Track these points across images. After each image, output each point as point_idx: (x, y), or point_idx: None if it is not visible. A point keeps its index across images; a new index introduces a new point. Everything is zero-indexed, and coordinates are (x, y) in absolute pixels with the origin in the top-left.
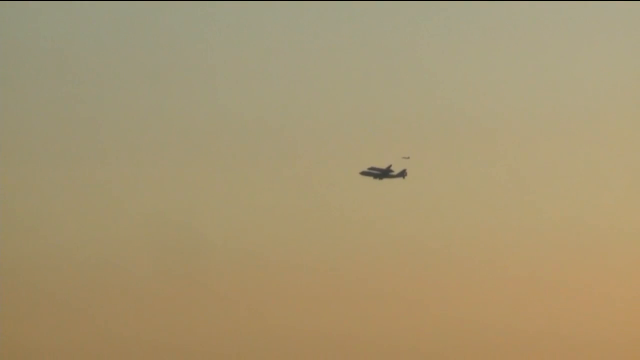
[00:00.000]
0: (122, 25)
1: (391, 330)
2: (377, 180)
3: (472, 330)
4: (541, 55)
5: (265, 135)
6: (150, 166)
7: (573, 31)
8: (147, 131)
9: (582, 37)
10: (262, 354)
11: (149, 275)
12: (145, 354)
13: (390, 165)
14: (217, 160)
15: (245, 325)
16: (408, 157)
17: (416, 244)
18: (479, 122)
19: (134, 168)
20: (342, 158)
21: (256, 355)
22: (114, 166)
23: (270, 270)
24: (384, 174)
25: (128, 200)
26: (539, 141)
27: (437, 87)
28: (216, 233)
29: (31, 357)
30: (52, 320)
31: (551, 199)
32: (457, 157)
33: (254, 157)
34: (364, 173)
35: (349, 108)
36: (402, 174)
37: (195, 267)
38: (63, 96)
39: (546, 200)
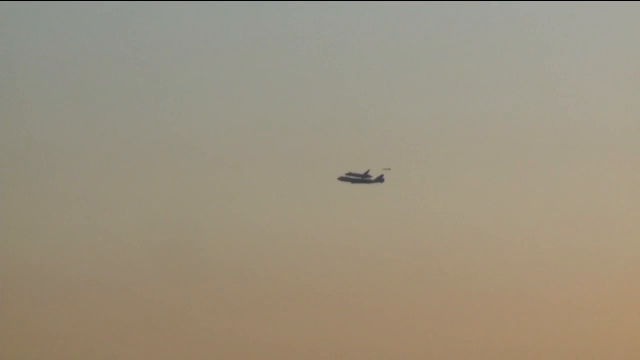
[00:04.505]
0: (122, 26)
1: (374, 336)
2: (355, 186)
3: (458, 340)
4: (534, 60)
5: (248, 140)
6: (144, 171)
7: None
8: (144, 134)
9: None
10: (259, 354)
11: (147, 276)
12: (146, 354)
13: (368, 171)
14: (199, 166)
15: (239, 327)
16: (389, 169)
17: (395, 248)
18: (461, 129)
19: (133, 170)
20: (320, 164)
21: (253, 356)
22: (114, 168)
23: (253, 275)
24: (362, 179)
25: (127, 202)
26: (525, 148)
27: (418, 93)
28: (201, 238)
29: (32, 357)
30: (53, 321)
31: (535, 203)
32: (438, 163)
33: (235, 161)
34: (342, 179)
35: (328, 114)
36: (380, 179)
37: (187, 269)
38: (63, 98)
39: (529, 206)
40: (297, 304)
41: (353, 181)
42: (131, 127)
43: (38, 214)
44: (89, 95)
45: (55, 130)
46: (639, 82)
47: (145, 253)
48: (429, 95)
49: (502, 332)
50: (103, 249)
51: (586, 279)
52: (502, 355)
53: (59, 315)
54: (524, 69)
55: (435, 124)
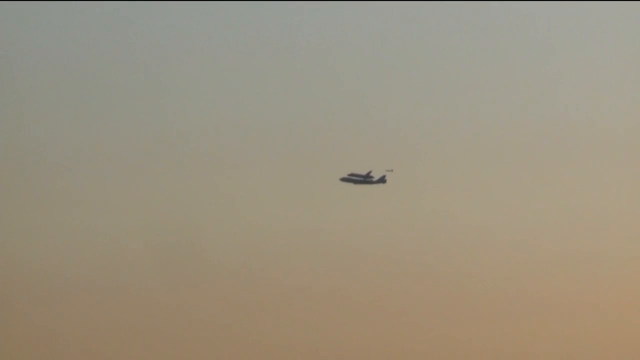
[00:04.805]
0: (122, 26)
1: (375, 338)
2: (357, 186)
3: (458, 342)
4: (535, 60)
5: (249, 140)
6: (146, 171)
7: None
8: (145, 134)
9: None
10: (260, 355)
11: (148, 277)
12: (147, 354)
13: (370, 172)
14: (201, 166)
15: (240, 327)
16: (392, 170)
17: (397, 249)
18: (464, 130)
19: (134, 170)
20: (322, 164)
21: (254, 356)
22: (114, 168)
23: (255, 276)
24: (364, 180)
25: (128, 202)
26: (528, 149)
27: (420, 94)
28: (202, 238)
29: (32, 357)
30: (53, 322)
31: (538, 204)
32: (440, 163)
33: (236, 162)
34: (344, 179)
35: (330, 114)
36: (382, 179)
37: (188, 269)
38: (63, 98)
39: (532, 207)
40: (299, 305)
41: (355, 182)
42: (132, 127)
43: (38, 214)
44: (89, 95)
45: (55, 130)
46: (639, 82)
47: (146, 253)
48: (432, 96)
49: (505, 333)
50: (103, 249)
51: (587, 279)
52: (504, 356)
53: (59, 316)
54: (526, 70)
55: (438, 125)
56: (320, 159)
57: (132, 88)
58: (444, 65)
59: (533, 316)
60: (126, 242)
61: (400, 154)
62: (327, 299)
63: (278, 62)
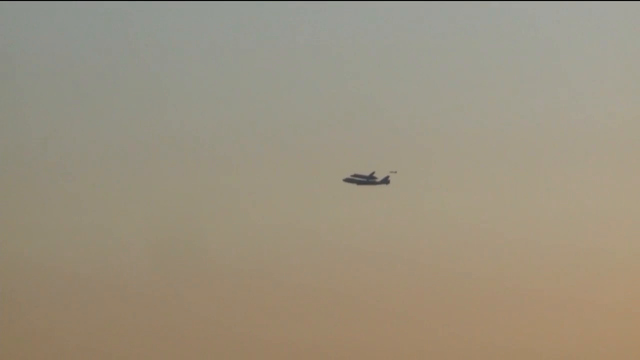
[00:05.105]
0: (122, 26)
1: (377, 338)
2: (360, 187)
3: (462, 341)
4: (539, 61)
5: (252, 140)
6: (149, 170)
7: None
8: (148, 134)
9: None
10: (262, 355)
11: (149, 276)
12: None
13: (374, 172)
14: (204, 166)
15: (242, 327)
16: (395, 172)
17: (400, 250)
18: (468, 131)
19: (134, 171)
20: (325, 165)
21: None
22: (116, 167)
23: (258, 276)
24: (367, 180)
25: (128, 202)
26: (533, 151)
27: (424, 95)
28: (206, 238)
29: (33, 357)
30: (55, 320)
31: (542, 205)
32: (443, 164)
33: (239, 163)
34: (347, 180)
35: (333, 115)
36: (385, 180)
37: (190, 269)
38: (63, 98)
39: (536, 208)
40: (301, 304)
41: (358, 182)
42: (135, 125)
43: (40, 213)
44: (89, 95)
45: (56, 130)
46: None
47: (148, 252)
48: (436, 97)
49: (507, 333)
50: (105, 248)
51: (589, 279)
52: (505, 355)
53: (61, 314)
54: (528, 71)
55: (442, 126)
56: (324, 160)
57: (136, 87)
58: (448, 66)
59: (535, 316)
60: (128, 240)
61: (404, 155)
62: (330, 299)
63: (281, 62)
